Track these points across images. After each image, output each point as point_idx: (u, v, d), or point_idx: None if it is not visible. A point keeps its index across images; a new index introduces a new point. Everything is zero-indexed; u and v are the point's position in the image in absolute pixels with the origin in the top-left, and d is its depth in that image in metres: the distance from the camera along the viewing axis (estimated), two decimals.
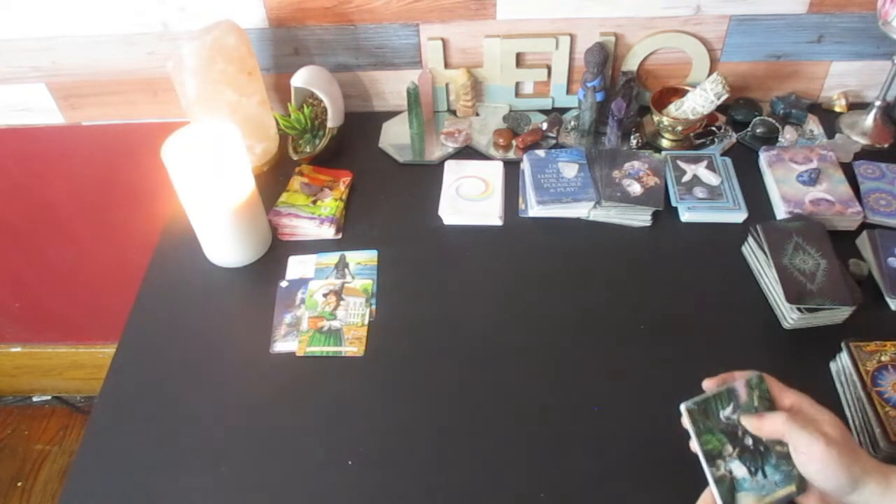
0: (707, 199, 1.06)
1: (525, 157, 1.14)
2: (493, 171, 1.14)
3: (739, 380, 0.64)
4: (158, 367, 0.92)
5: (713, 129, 1.18)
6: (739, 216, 1.05)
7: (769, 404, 0.64)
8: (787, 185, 1.05)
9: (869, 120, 1.17)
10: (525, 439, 0.82)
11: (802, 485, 0.62)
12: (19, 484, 1.79)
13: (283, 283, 1.01)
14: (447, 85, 1.24)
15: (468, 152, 1.19)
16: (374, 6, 1.14)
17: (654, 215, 1.05)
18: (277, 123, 1.17)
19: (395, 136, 1.23)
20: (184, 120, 1.04)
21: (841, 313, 0.90)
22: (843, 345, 0.84)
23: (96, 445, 0.85)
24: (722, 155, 1.14)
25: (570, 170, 1.11)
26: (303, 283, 1.00)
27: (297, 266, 1.03)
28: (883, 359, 0.82)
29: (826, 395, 0.84)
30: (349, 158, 1.18)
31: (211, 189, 0.94)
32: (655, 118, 1.14)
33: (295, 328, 0.95)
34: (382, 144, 1.21)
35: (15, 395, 1.98)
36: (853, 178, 1.07)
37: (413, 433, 0.84)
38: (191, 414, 0.87)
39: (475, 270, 1.01)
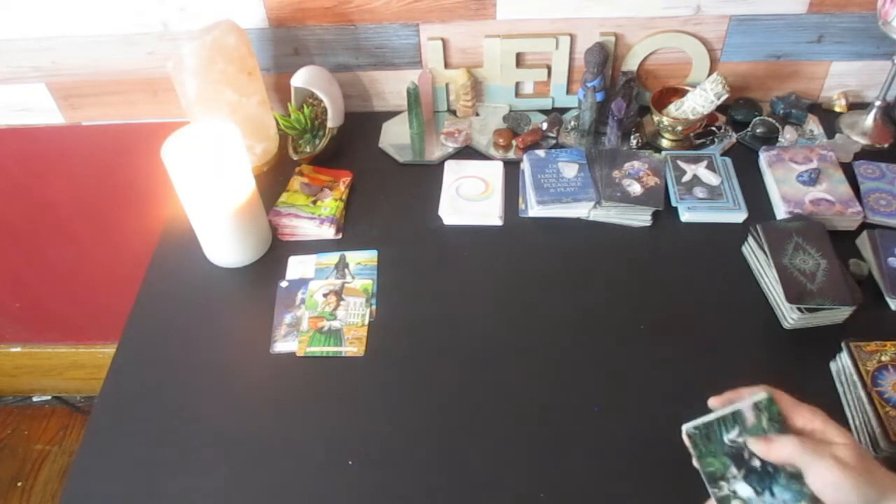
0: (707, 199, 1.06)
1: (525, 157, 1.14)
2: (493, 171, 1.14)
3: (747, 399, 0.61)
4: (158, 367, 0.92)
5: (713, 129, 1.18)
6: (739, 216, 1.05)
7: (780, 426, 0.60)
8: (787, 185, 1.05)
9: (869, 120, 1.17)
10: (525, 439, 0.82)
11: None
12: (19, 484, 1.79)
13: (283, 284, 1.01)
14: (447, 85, 1.24)
15: (468, 152, 1.19)
16: (374, 6, 1.14)
17: (654, 215, 1.05)
18: (277, 123, 1.17)
19: (395, 136, 1.23)
20: (184, 120, 1.04)
21: (841, 313, 0.90)
22: (843, 345, 0.84)
23: (96, 445, 0.85)
24: (722, 155, 1.14)
25: (570, 170, 1.11)
26: (303, 283, 1.00)
27: (297, 266, 1.03)
28: (883, 359, 0.82)
29: (826, 395, 0.84)
30: (349, 158, 1.18)
31: (211, 189, 0.94)
32: (655, 118, 1.14)
33: (295, 328, 0.95)
34: (382, 144, 1.21)
35: (15, 395, 1.98)
36: (853, 178, 1.07)
37: (413, 433, 0.84)
38: (191, 414, 0.87)
39: (475, 270, 1.01)
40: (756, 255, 0.97)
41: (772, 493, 0.60)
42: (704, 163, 1.11)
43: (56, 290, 1.69)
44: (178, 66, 1.04)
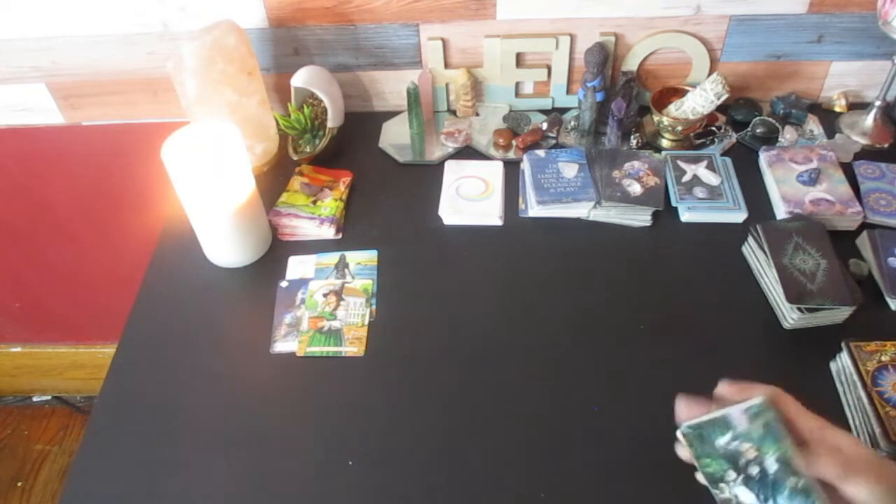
0: (707, 199, 1.06)
1: (525, 157, 1.14)
2: (493, 171, 1.14)
3: (740, 404, 0.59)
4: (158, 367, 0.92)
5: (713, 129, 1.18)
6: (739, 216, 1.05)
7: (776, 433, 0.58)
8: (787, 185, 1.05)
9: (869, 120, 1.17)
10: (525, 439, 0.82)
11: None
12: (19, 484, 1.79)
13: (283, 284, 1.01)
14: (447, 85, 1.24)
15: (468, 152, 1.19)
16: (374, 6, 1.14)
17: (654, 215, 1.05)
18: (277, 123, 1.17)
19: (395, 136, 1.23)
20: (184, 120, 1.04)
21: (841, 313, 0.90)
22: (843, 345, 0.84)
23: (96, 445, 0.85)
24: (722, 155, 1.14)
25: (570, 170, 1.11)
26: (303, 283, 1.00)
27: (297, 266, 1.03)
28: (883, 359, 0.82)
29: (826, 396, 0.84)
30: (349, 158, 1.18)
31: (211, 189, 0.94)
32: (655, 118, 1.14)
33: (295, 328, 0.95)
34: (382, 144, 1.21)
35: (15, 395, 1.98)
36: (853, 178, 1.07)
37: (413, 433, 0.84)
38: (191, 414, 0.87)
39: (475, 270, 1.01)
40: (756, 255, 0.97)
41: None
42: (704, 163, 1.11)
43: (56, 290, 1.69)
44: (178, 66, 1.04)
